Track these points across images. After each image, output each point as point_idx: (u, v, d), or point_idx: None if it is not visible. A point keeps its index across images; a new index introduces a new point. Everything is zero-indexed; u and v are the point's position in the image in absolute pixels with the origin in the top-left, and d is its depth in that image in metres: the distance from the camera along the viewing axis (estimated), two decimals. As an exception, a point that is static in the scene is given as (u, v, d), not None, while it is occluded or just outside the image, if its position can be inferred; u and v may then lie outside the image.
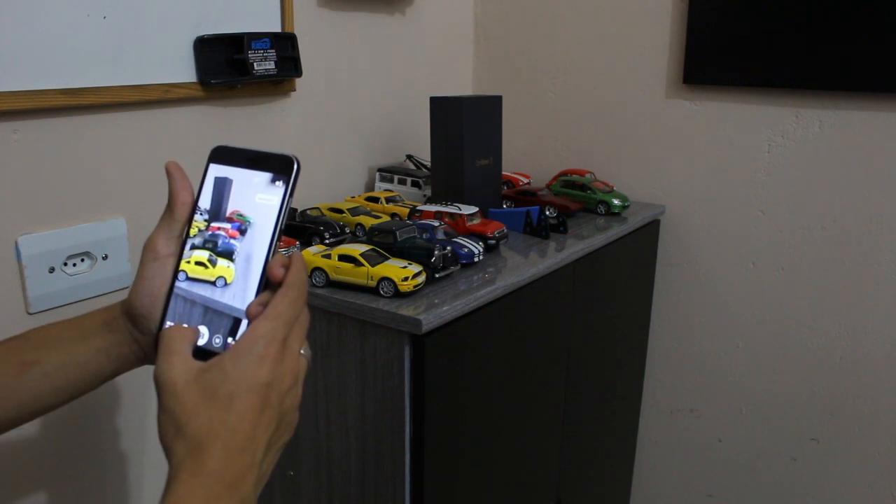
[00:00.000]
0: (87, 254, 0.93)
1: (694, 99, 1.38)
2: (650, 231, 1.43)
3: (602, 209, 1.34)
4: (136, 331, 0.56)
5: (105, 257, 0.95)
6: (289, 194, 0.52)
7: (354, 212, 1.14)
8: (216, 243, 0.54)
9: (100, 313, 0.59)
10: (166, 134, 1.01)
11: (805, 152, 1.30)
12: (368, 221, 1.11)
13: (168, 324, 0.54)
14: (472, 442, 0.98)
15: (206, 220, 0.54)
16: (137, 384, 1.04)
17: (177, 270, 0.54)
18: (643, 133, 1.45)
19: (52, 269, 0.89)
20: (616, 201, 1.33)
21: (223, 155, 0.55)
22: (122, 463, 1.04)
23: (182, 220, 0.55)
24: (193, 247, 0.54)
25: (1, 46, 0.80)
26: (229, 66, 1.05)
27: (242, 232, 0.53)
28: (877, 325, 1.29)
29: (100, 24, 0.89)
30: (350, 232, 1.12)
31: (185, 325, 0.52)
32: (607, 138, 1.50)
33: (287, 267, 0.51)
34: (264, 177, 0.53)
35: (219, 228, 0.54)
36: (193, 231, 0.55)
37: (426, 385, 0.85)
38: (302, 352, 0.51)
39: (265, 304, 0.50)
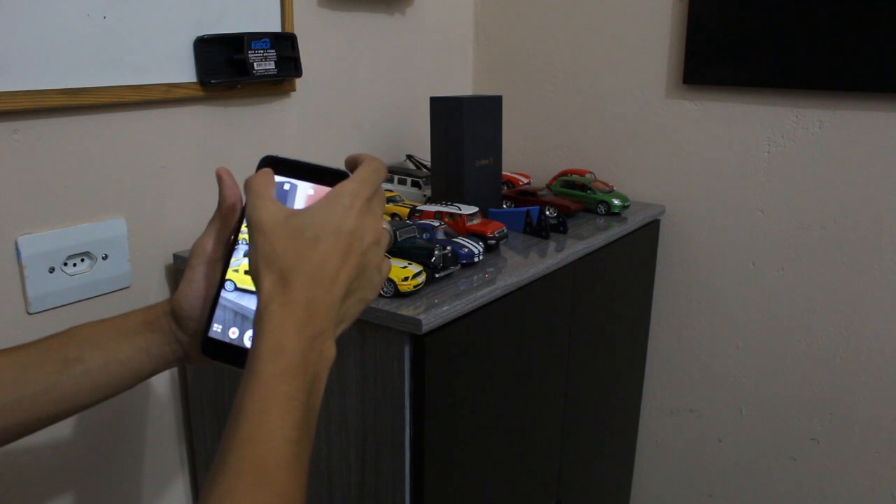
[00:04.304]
0: (87, 254, 0.93)
1: (694, 99, 1.38)
2: (650, 231, 1.43)
3: (602, 209, 1.34)
4: (181, 332, 0.57)
5: (105, 257, 0.95)
6: None
7: (354, 212, 1.14)
8: None
9: (140, 313, 0.60)
10: (166, 134, 1.01)
11: (805, 152, 1.30)
12: (368, 221, 1.10)
13: (216, 327, 0.55)
14: (472, 442, 0.98)
15: None
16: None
17: (224, 274, 0.55)
18: (643, 133, 1.45)
19: (52, 269, 0.89)
20: (616, 201, 1.32)
21: (273, 165, 0.54)
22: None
23: (231, 224, 0.56)
24: (245, 254, 0.54)
25: (1, 46, 0.80)
26: (229, 66, 1.05)
27: None
28: (877, 326, 1.29)
29: (100, 24, 0.89)
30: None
31: (269, 171, 0.53)
32: (607, 138, 1.49)
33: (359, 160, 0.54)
34: (319, 189, 0.53)
35: None
36: (242, 236, 0.55)
37: (426, 385, 0.85)
38: (385, 226, 0.53)
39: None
